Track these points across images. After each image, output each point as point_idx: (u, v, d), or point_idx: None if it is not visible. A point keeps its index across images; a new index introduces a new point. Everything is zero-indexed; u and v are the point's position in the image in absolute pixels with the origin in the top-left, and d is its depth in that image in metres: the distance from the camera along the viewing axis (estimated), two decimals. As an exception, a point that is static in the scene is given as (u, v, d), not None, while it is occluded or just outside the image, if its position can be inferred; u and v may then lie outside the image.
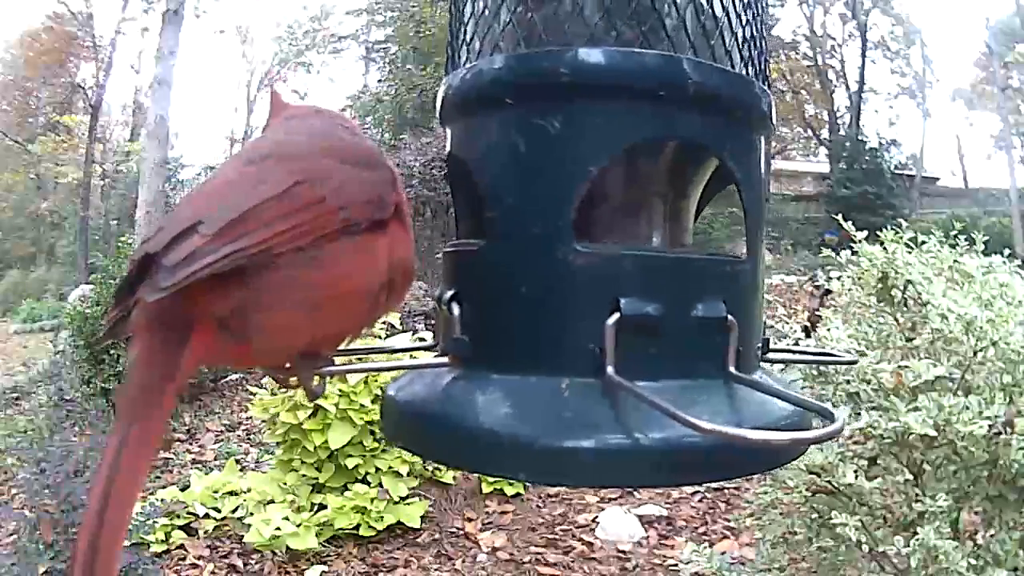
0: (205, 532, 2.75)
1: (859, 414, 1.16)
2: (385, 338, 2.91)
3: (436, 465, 2.81)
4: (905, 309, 1.31)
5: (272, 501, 2.71)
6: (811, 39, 19.47)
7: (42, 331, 10.00)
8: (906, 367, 1.17)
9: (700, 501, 3.05)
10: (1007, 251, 1.37)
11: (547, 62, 0.44)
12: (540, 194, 0.44)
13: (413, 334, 3.26)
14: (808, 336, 1.57)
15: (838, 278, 1.45)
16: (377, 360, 0.71)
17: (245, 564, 2.58)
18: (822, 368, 1.27)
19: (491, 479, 2.99)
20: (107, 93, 18.42)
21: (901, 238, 1.30)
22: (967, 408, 1.08)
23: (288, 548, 2.52)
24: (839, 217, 1.43)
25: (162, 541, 2.62)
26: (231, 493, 2.91)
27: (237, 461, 3.43)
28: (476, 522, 2.91)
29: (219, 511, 2.81)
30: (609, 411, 0.41)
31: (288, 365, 0.48)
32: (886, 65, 20.45)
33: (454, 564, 2.62)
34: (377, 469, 2.77)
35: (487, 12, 0.47)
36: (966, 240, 1.34)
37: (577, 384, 0.42)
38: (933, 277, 1.26)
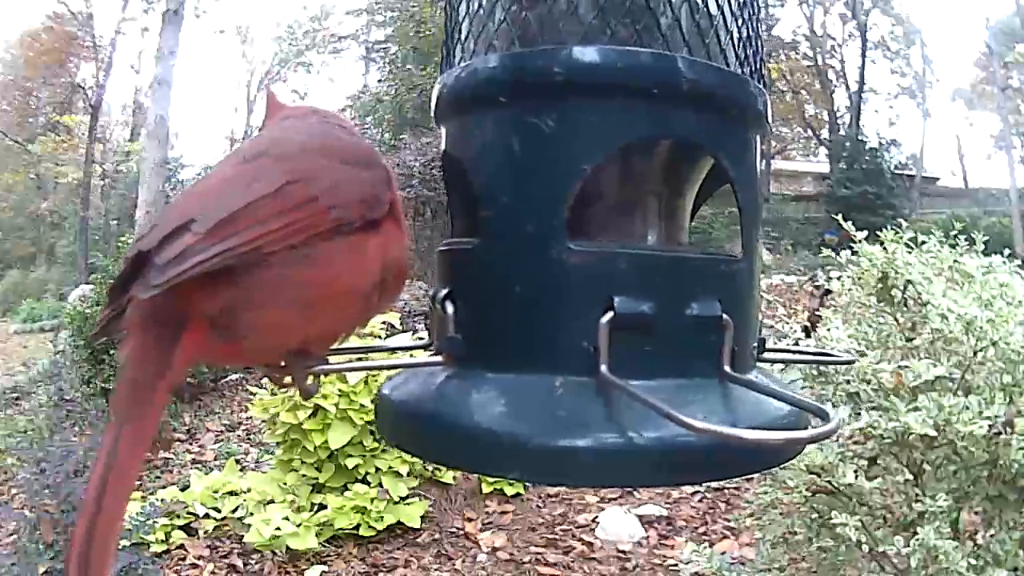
0: (205, 532, 2.75)
1: (859, 414, 1.16)
2: (385, 338, 2.91)
3: (436, 465, 2.81)
4: (905, 309, 1.31)
5: (272, 501, 2.72)
6: (811, 39, 19.47)
7: (42, 331, 10.00)
8: (906, 367, 1.17)
9: (700, 501, 3.05)
10: (1007, 251, 1.37)
11: (541, 61, 0.44)
12: (534, 193, 0.44)
13: (413, 334, 3.26)
14: (808, 336, 1.57)
15: (838, 278, 1.45)
16: (375, 359, 0.71)
17: (245, 564, 2.58)
18: (822, 368, 1.27)
19: (491, 479, 3.00)
20: (107, 93, 18.44)
21: (901, 238, 1.30)
22: (967, 408, 1.08)
23: (288, 548, 2.52)
24: (839, 217, 1.43)
25: (162, 541, 2.62)
26: (231, 493, 2.91)
27: (237, 461, 3.43)
28: (476, 522, 2.91)
29: (219, 511, 2.82)
30: (603, 410, 0.41)
31: (283, 364, 0.48)
32: (886, 65, 20.47)
33: (454, 564, 2.62)
34: (377, 469, 2.77)
35: (482, 11, 0.47)
36: (966, 240, 1.34)
37: (571, 383, 0.42)
38: (933, 277, 1.26)
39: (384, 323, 3.05)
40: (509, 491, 3.11)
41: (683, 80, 0.43)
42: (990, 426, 1.07)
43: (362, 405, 2.69)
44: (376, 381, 2.70)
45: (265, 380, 2.86)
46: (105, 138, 20.04)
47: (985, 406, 1.08)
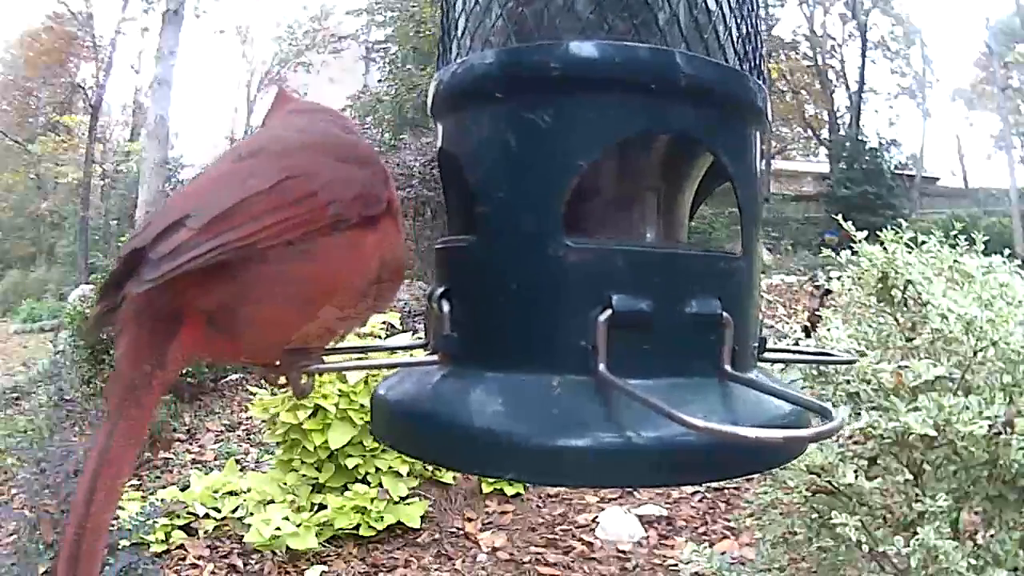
0: (205, 532, 2.75)
1: (859, 414, 1.16)
2: (385, 338, 2.91)
3: (433, 465, 2.81)
4: (905, 309, 1.31)
5: (272, 501, 2.71)
6: (811, 39, 19.47)
7: (42, 331, 10.01)
8: (906, 367, 1.17)
9: (700, 501, 3.05)
10: (1007, 251, 1.37)
11: (538, 56, 0.43)
12: (530, 189, 0.43)
13: (413, 334, 3.26)
14: (808, 336, 1.57)
15: (838, 278, 1.45)
16: (374, 358, 0.71)
17: (245, 564, 2.58)
18: (822, 368, 1.27)
19: (491, 479, 2.99)
20: (107, 93, 18.42)
21: (901, 238, 1.30)
22: (967, 408, 1.08)
23: (288, 548, 2.52)
24: (839, 217, 1.43)
25: (162, 541, 2.61)
26: (231, 493, 2.91)
27: (237, 461, 3.43)
28: (476, 522, 2.91)
29: (219, 511, 2.81)
30: (602, 410, 0.41)
31: (277, 362, 0.48)
32: (886, 65, 20.45)
33: (454, 564, 2.61)
34: (377, 469, 2.77)
35: (478, 7, 0.47)
36: (966, 240, 1.34)
37: (569, 382, 0.42)
38: (933, 277, 1.26)
39: (384, 323, 3.05)
40: (509, 491, 3.11)
41: (681, 75, 0.43)
42: (990, 426, 1.07)
43: (362, 405, 2.69)
44: (376, 381, 2.70)
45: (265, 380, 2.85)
46: (105, 138, 20.03)
47: (985, 406, 1.08)
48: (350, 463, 2.71)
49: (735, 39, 0.47)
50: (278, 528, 2.50)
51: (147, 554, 2.30)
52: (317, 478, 2.77)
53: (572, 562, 2.60)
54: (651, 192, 0.50)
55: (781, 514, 1.39)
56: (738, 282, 0.47)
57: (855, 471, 1.19)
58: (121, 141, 20.18)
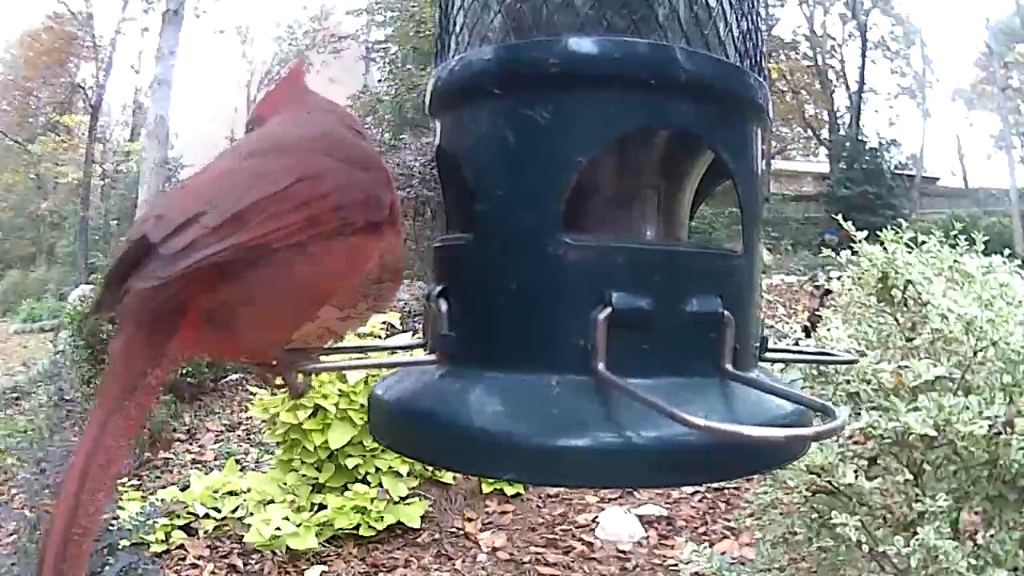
0: (205, 532, 2.75)
1: (859, 414, 1.16)
2: (385, 338, 2.91)
3: (431, 466, 2.81)
4: (905, 309, 1.31)
5: (272, 501, 2.71)
6: (811, 39, 19.46)
7: (42, 331, 10.00)
8: (906, 367, 1.17)
9: (700, 501, 3.05)
10: (1007, 251, 1.37)
11: (536, 52, 0.43)
12: (529, 186, 0.43)
13: (413, 334, 3.26)
14: (808, 336, 1.57)
15: (838, 278, 1.45)
16: (373, 358, 0.71)
17: (245, 564, 2.58)
18: (822, 368, 1.27)
19: (490, 479, 2.99)
20: (107, 93, 18.40)
21: (901, 238, 1.30)
22: (967, 408, 1.08)
23: (288, 548, 2.52)
24: (839, 217, 1.43)
25: (162, 541, 2.61)
26: (231, 493, 2.91)
27: (237, 461, 3.43)
28: (476, 522, 2.91)
29: (219, 511, 2.81)
30: (601, 409, 0.40)
31: (274, 362, 0.48)
32: (886, 65, 20.44)
33: (454, 564, 2.61)
34: (377, 469, 2.77)
35: (476, 3, 0.47)
36: (966, 240, 1.34)
37: (568, 381, 0.41)
38: (933, 277, 1.26)
39: (384, 323, 3.05)
40: (509, 491, 3.11)
41: (681, 71, 0.43)
42: (990, 426, 1.07)
43: (362, 405, 2.68)
44: (376, 381, 2.70)
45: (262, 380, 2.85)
46: (105, 138, 20.01)
47: (985, 406, 1.08)
48: (350, 463, 2.71)
49: (735, 35, 0.46)
50: (278, 528, 2.50)
51: (147, 554, 2.30)
52: (317, 478, 2.77)
53: (572, 562, 2.60)
54: (651, 190, 0.50)
55: (781, 514, 1.39)
56: (739, 280, 0.46)
57: (855, 471, 1.19)
58: (121, 141, 20.17)
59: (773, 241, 13.42)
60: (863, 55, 19.03)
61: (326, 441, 2.67)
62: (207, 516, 2.78)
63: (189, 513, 2.79)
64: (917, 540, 1.08)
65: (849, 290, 1.42)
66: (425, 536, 2.76)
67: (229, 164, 0.46)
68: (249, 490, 2.82)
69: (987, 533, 1.18)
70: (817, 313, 3.22)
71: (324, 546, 2.60)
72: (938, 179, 23.07)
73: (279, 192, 0.42)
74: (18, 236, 21.27)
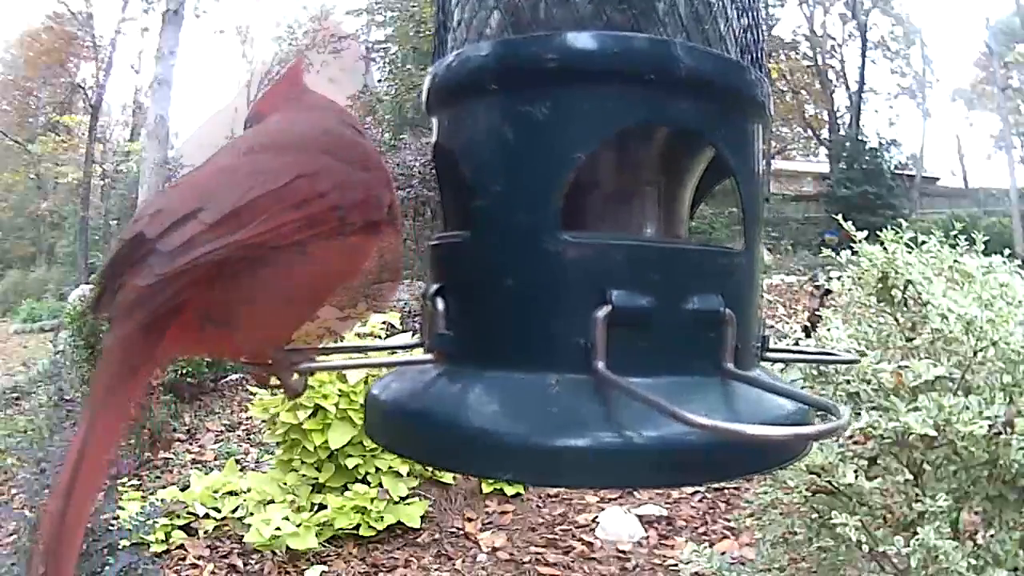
0: (205, 532, 2.75)
1: (859, 414, 1.15)
2: (385, 337, 2.91)
3: (429, 466, 2.80)
4: (905, 309, 1.30)
5: (272, 501, 2.71)
6: (811, 39, 19.46)
7: (42, 331, 10.00)
8: (906, 367, 1.17)
9: (700, 501, 3.05)
10: (1007, 251, 1.36)
11: (534, 47, 0.42)
12: (527, 182, 0.43)
13: (413, 334, 3.26)
14: (808, 336, 1.57)
15: (838, 278, 1.45)
16: (374, 357, 0.70)
17: (245, 564, 2.58)
18: (822, 368, 1.27)
19: (490, 479, 2.99)
20: (107, 93, 18.39)
21: (901, 238, 1.30)
22: (967, 408, 1.07)
23: (288, 548, 2.52)
24: (839, 217, 1.43)
25: (162, 541, 2.61)
26: (231, 493, 2.91)
27: (237, 461, 3.43)
28: (476, 522, 2.91)
29: (219, 511, 2.81)
30: (601, 409, 0.40)
31: (270, 361, 0.47)
32: (886, 65, 20.45)
33: (454, 564, 2.61)
34: (377, 469, 2.77)
35: (473, -2, 0.46)
36: (966, 240, 1.34)
37: (567, 381, 0.40)
38: (933, 277, 1.26)
39: (384, 323, 3.05)
40: (509, 491, 3.10)
41: (680, 66, 0.42)
42: (990, 426, 1.07)
43: (362, 405, 2.68)
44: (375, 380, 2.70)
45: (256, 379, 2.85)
46: (105, 138, 19.99)
47: (985, 406, 1.08)
48: (350, 463, 2.71)
49: (736, 31, 0.46)
50: (278, 528, 2.49)
51: (147, 554, 2.30)
52: (317, 478, 2.77)
53: (572, 562, 2.60)
54: (651, 187, 0.49)
55: (781, 514, 1.39)
56: (740, 279, 0.46)
57: (855, 471, 1.19)
58: (121, 141, 20.15)
59: (773, 241, 13.42)
60: (863, 55, 19.04)
61: (326, 441, 2.67)
62: (207, 516, 2.78)
63: (189, 513, 2.79)
64: (917, 540, 1.08)
65: (849, 290, 1.42)
66: (425, 536, 2.76)
67: (227, 160, 0.46)
68: (249, 490, 2.82)
69: (987, 533, 1.18)
70: (817, 313, 3.22)
71: (324, 546, 2.60)
72: (938, 179, 23.08)
73: (278, 189, 0.41)
74: (18, 236, 21.27)
